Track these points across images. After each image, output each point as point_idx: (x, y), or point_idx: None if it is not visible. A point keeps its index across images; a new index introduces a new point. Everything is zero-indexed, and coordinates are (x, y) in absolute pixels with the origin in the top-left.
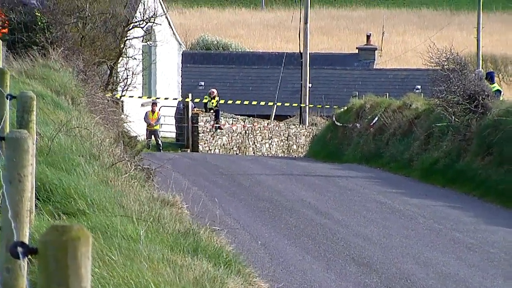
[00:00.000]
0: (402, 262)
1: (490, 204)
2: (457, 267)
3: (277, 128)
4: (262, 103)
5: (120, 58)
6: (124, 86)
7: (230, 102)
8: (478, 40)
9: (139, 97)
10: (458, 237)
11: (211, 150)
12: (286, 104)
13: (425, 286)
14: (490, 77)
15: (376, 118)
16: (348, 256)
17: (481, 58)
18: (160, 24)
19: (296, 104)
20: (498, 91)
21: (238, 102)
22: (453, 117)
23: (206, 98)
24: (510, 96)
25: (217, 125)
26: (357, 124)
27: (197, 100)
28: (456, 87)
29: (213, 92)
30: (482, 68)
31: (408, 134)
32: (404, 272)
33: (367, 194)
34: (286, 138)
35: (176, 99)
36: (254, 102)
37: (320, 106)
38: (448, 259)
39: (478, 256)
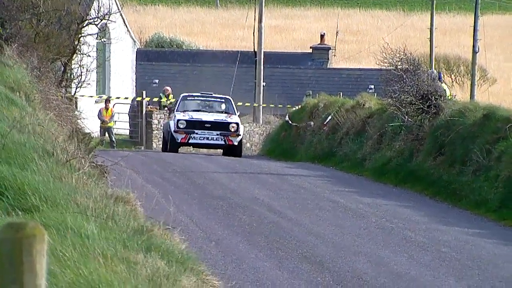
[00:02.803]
0: (354, 261)
1: (441, 204)
2: (409, 266)
3: None
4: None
5: (74, 55)
6: (78, 83)
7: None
8: (431, 41)
9: (90, 96)
10: (410, 236)
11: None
12: (239, 104)
13: (377, 285)
14: (437, 77)
15: (330, 117)
16: (301, 254)
17: (434, 58)
18: (115, 22)
19: (249, 104)
20: (444, 91)
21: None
22: (406, 117)
23: (160, 96)
24: (462, 96)
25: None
26: (311, 123)
27: (153, 98)
28: (409, 87)
29: (167, 89)
30: (435, 68)
31: (361, 134)
32: (356, 271)
33: (320, 193)
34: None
35: (127, 98)
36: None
37: (273, 105)
38: (400, 258)
39: (430, 255)
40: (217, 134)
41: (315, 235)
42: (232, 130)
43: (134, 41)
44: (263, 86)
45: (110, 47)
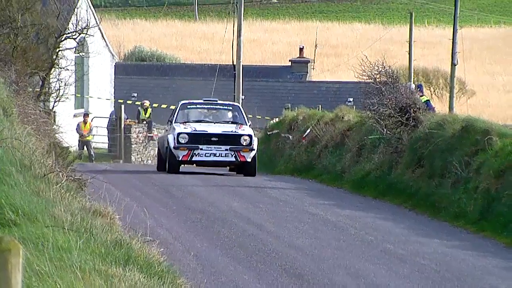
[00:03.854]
0: (333, 273)
1: (421, 216)
2: (388, 278)
3: None
4: None
5: (53, 69)
6: (57, 97)
7: (164, 106)
8: (410, 54)
9: (68, 110)
10: (389, 248)
11: (143, 161)
12: None
13: None
14: (419, 89)
15: (309, 130)
16: (280, 267)
17: (413, 71)
18: (93, 35)
19: None
20: (428, 101)
21: (168, 106)
22: (385, 129)
23: (139, 110)
24: (441, 109)
25: (150, 135)
26: (289, 136)
27: (131, 112)
28: (388, 100)
29: (145, 103)
30: (414, 81)
31: (340, 146)
32: (336, 283)
33: (299, 206)
34: None
35: (105, 111)
36: None
37: (251, 115)
38: (379, 270)
39: (409, 268)
40: (226, 149)
41: (294, 247)
42: (244, 143)
43: (113, 55)
44: (242, 99)
45: (89, 61)
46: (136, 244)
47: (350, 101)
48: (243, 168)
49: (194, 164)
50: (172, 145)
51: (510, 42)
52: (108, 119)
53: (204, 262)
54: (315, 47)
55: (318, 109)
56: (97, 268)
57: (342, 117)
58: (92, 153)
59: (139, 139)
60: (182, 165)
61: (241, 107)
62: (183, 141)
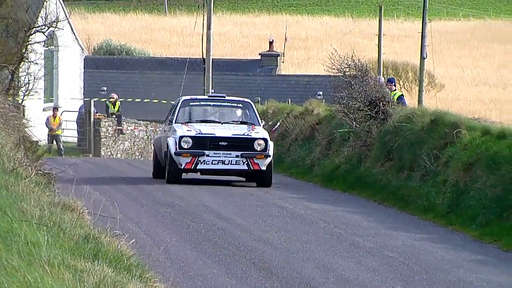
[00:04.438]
0: (302, 267)
1: (390, 209)
2: (357, 272)
3: None
4: (164, 101)
5: (22, 63)
6: (26, 91)
7: (132, 100)
8: (379, 47)
9: (38, 104)
10: (358, 241)
11: (113, 155)
12: None
13: None
14: (391, 83)
15: (278, 124)
16: (249, 261)
17: (382, 64)
18: (62, 29)
19: None
20: (401, 96)
21: (141, 100)
22: (354, 123)
23: (107, 104)
24: (410, 102)
25: (119, 128)
26: None
27: (101, 105)
28: (357, 94)
29: (114, 96)
30: (383, 74)
31: (309, 140)
32: (305, 277)
33: (268, 199)
34: None
35: (75, 105)
36: (155, 100)
37: None
38: (348, 264)
39: (378, 261)
40: (237, 156)
41: (263, 241)
42: (259, 149)
43: (82, 49)
44: (212, 93)
45: (58, 54)
46: (105, 238)
47: (319, 95)
48: (256, 178)
49: (198, 173)
50: (173, 150)
51: (479, 36)
52: (77, 113)
53: (173, 256)
54: (284, 41)
55: (288, 103)
56: (66, 263)
57: (312, 111)
58: (61, 147)
59: (109, 133)
60: (184, 174)
61: (253, 104)
62: (186, 146)
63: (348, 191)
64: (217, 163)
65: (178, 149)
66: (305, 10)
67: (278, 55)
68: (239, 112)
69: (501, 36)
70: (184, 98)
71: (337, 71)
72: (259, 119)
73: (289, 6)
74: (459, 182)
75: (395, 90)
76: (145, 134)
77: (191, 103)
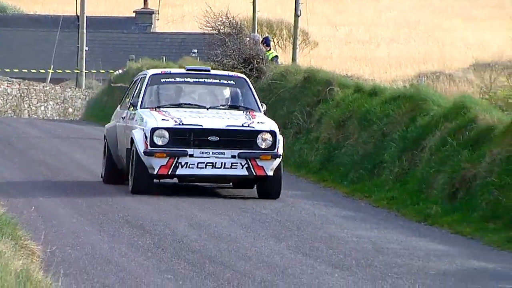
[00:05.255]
0: (175, 224)
1: None
2: (230, 228)
3: (53, 91)
4: (33, 70)
5: None
6: None
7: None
8: (254, 5)
9: None
10: (231, 199)
11: None
12: (58, 71)
13: (198, 247)
14: (265, 42)
15: None
16: (122, 218)
17: (257, 22)
18: None
19: (69, 71)
20: (276, 57)
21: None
22: None
23: None
24: (285, 60)
25: None
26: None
27: None
28: (232, 51)
29: None
30: (258, 32)
31: None
32: (177, 234)
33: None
34: (62, 101)
35: None
36: (24, 70)
37: (95, 71)
38: (221, 221)
39: (250, 217)
40: (233, 156)
41: (137, 199)
42: (263, 146)
43: None
44: (86, 51)
45: None
46: None
47: (194, 52)
48: (261, 185)
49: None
50: (141, 148)
51: None
52: None
53: (45, 214)
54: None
55: (162, 61)
56: None
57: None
58: None
59: None
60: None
61: (248, 81)
62: (160, 143)
63: None
64: (205, 167)
65: (149, 147)
66: None
67: (153, 12)
68: (226, 91)
69: None
70: (152, 72)
71: (211, 28)
72: (258, 101)
73: None
74: (331, 139)
75: (270, 50)
76: (18, 91)
77: (162, 80)
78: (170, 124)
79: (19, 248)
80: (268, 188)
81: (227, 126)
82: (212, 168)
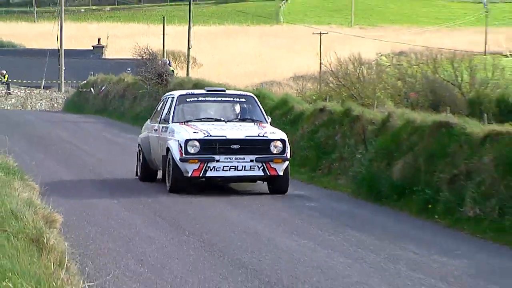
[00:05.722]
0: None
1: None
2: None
3: (45, 94)
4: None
5: None
6: None
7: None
8: (163, 41)
9: None
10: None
11: (5, 107)
12: (48, 81)
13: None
14: (168, 63)
15: (104, 87)
16: (85, 168)
17: (165, 52)
18: None
19: (55, 81)
20: (173, 71)
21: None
22: (149, 87)
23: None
24: (182, 74)
25: (8, 91)
26: (92, 90)
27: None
28: (150, 69)
29: (3, 72)
30: (166, 58)
31: (122, 97)
32: (114, 173)
33: (98, 132)
34: (50, 100)
35: None
36: (28, 81)
37: (70, 82)
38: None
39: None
40: (252, 160)
41: (95, 157)
42: (275, 151)
43: None
44: (64, 70)
45: None
46: None
47: (129, 70)
48: (272, 183)
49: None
50: (177, 156)
51: (228, 34)
52: None
53: (43, 166)
54: (107, 37)
55: (110, 75)
56: None
57: (124, 79)
58: None
59: (2, 94)
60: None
61: (256, 98)
62: (193, 151)
63: (136, 124)
64: (229, 170)
65: (184, 155)
66: (119, 19)
67: (103, 46)
68: (237, 107)
69: (242, 34)
70: (179, 93)
71: (138, 55)
72: (265, 115)
73: (110, 17)
74: None
75: (171, 67)
76: (24, 94)
77: (187, 99)
78: (200, 136)
79: (25, 185)
80: (278, 185)
81: (246, 136)
82: (234, 170)
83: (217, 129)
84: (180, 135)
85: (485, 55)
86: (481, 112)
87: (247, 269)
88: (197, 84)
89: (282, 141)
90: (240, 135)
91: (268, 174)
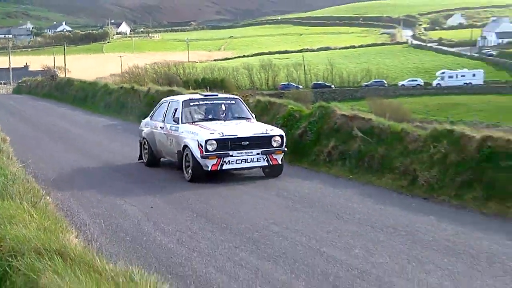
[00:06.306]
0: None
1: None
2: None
3: (4, 86)
4: None
5: None
6: None
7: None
8: (54, 63)
9: None
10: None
11: None
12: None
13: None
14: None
15: (29, 82)
16: (72, 146)
17: (55, 66)
18: None
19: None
20: (57, 75)
21: None
22: (47, 81)
23: None
24: (62, 75)
25: None
26: (24, 84)
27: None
28: (48, 74)
29: None
30: (55, 69)
31: (37, 86)
32: (93, 152)
33: (26, 100)
34: (7, 88)
35: None
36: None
37: (15, 80)
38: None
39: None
40: (258, 153)
41: (79, 135)
42: (275, 145)
43: None
44: (12, 75)
45: None
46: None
47: (40, 75)
48: (271, 169)
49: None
50: (197, 154)
51: (82, 58)
52: None
53: (31, 143)
54: (66, 70)
55: (32, 77)
56: None
57: (38, 79)
58: None
59: None
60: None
61: (242, 99)
62: (211, 149)
63: (41, 98)
64: (241, 162)
65: (204, 153)
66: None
67: (29, 65)
68: (232, 108)
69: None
70: (183, 98)
71: (45, 68)
72: (251, 112)
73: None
74: None
75: (57, 73)
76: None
77: (191, 104)
78: (216, 136)
79: (10, 161)
80: (276, 170)
81: (254, 134)
82: (245, 162)
83: (228, 129)
84: (199, 136)
85: (189, 62)
86: (189, 86)
87: None
88: (69, 80)
89: (281, 136)
90: (249, 133)
91: (271, 163)
